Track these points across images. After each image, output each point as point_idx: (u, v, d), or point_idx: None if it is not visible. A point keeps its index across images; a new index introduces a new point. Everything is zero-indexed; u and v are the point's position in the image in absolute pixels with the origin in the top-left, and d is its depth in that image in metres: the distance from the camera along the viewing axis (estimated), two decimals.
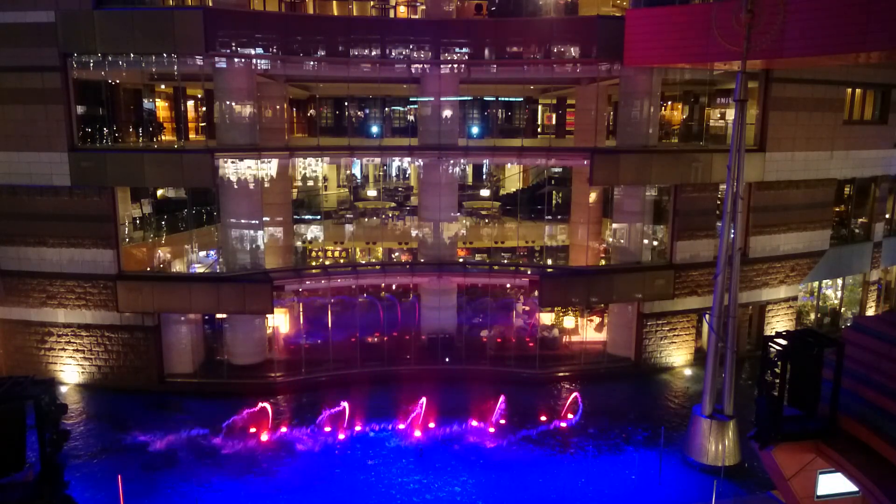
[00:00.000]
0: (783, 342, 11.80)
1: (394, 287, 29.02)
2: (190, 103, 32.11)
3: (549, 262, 29.53)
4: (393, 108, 37.42)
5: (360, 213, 32.59)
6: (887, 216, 29.81)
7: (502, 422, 20.44)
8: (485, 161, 28.50)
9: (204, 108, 31.43)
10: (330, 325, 25.22)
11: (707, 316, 20.01)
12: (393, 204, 35.34)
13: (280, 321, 26.20)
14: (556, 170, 32.93)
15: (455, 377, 23.41)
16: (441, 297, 25.10)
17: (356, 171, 37.55)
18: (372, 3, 29.43)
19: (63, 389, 22.70)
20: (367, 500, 16.58)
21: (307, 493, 16.86)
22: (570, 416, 21.04)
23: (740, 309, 22.01)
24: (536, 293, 24.60)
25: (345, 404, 20.28)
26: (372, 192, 37.02)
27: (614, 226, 25.69)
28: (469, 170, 36.57)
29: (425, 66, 23.60)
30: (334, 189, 38.72)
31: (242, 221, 23.36)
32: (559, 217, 30.60)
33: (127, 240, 24.01)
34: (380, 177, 38.47)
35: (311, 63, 22.87)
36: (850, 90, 26.45)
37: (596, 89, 27.28)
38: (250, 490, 16.87)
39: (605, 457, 18.56)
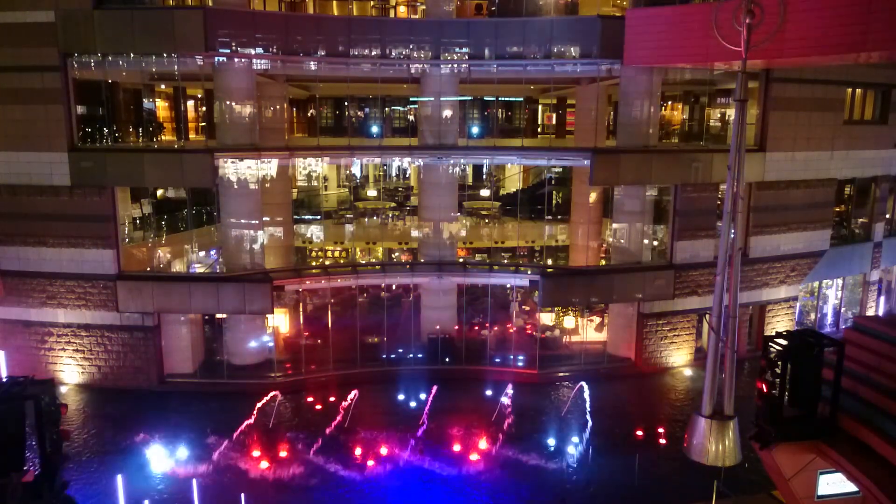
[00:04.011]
0: (783, 342, 11.79)
1: (394, 287, 29.02)
2: (190, 103, 32.13)
3: (549, 262, 29.53)
4: (393, 108, 37.44)
5: (360, 213, 32.62)
6: (887, 216, 29.82)
7: (489, 422, 20.47)
8: (485, 161, 28.50)
9: (204, 108, 31.44)
10: (330, 325, 25.24)
11: (707, 316, 19.97)
12: (393, 204, 35.37)
13: (280, 321, 26.20)
14: (557, 170, 32.94)
15: (455, 377, 23.41)
16: (441, 297, 25.10)
17: (356, 171, 37.57)
18: (372, 3, 29.44)
19: (63, 389, 22.70)
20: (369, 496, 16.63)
21: (305, 492, 16.89)
22: (569, 416, 21.06)
23: (740, 309, 21.99)
24: (536, 293, 24.60)
25: (346, 405, 20.30)
26: (372, 192, 37.05)
27: (614, 226, 25.69)
28: (469, 170, 36.56)
29: (425, 66, 23.62)
30: (334, 189, 38.76)
31: (242, 221, 23.36)
32: (559, 217, 30.62)
33: (127, 240, 24.02)
34: (380, 177, 38.49)
35: (311, 63, 22.88)
36: (850, 90, 26.46)
37: (596, 89, 27.27)
38: (250, 489, 16.86)
39: (605, 456, 18.54)
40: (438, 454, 18.65)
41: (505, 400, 21.01)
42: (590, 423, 19.97)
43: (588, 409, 20.78)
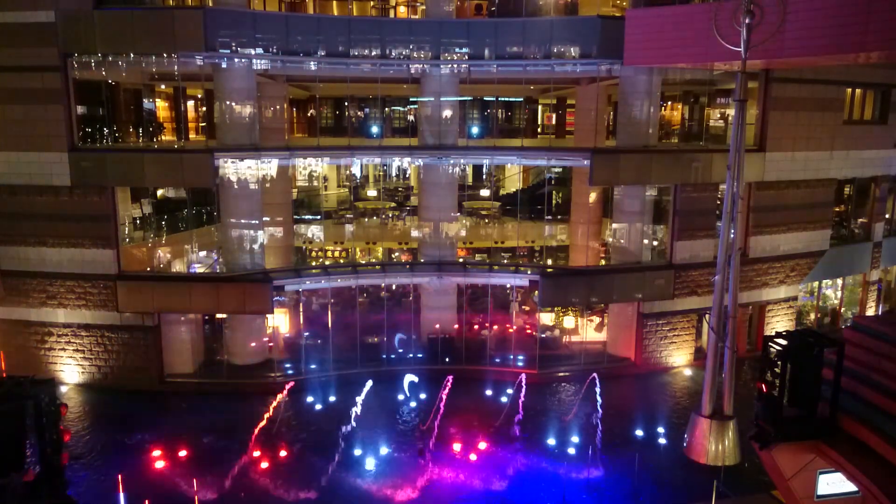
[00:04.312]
0: (783, 342, 11.78)
1: (394, 287, 29.03)
2: (190, 103, 32.10)
3: (549, 262, 29.53)
4: (393, 108, 37.42)
5: (360, 213, 32.60)
6: (887, 216, 29.82)
7: (502, 422, 20.46)
8: (485, 161, 28.49)
9: (204, 108, 31.43)
10: (330, 325, 25.23)
11: (707, 316, 19.96)
12: (393, 204, 35.34)
13: (280, 321, 26.20)
14: (556, 170, 32.95)
15: (455, 377, 23.38)
16: (441, 297, 25.10)
17: (356, 171, 37.55)
18: (372, 3, 29.45)
19: (63, 389, 22.70)
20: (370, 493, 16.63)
21: (303, 491, 16.90)
22: (568, 418, 21.07)
23: (740, 309, 22.00)
24: (536, 293, 24.61)
25: (347, 405, 20.31)
26: (372, 192, 37.04)
27: (614, 226, 25.69)
28: (469, 170, 36.56)
29: (425, 66, 23.62)
30: (334, 189, 38.72)
31: (242, 221, 23.36)
32: (559, 217, 30.59)
33: (127, 240, 24.02)
34: (380, 177, 38.48)
35: (311, 63, 22.89)
36: (850, 90, 26.47)
37: (596, 89, 27.28)
38: (250, 488, 16.88)
39: (605, 456, 18.55)
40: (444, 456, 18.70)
41: (504, 399, 20.98)
42: (600, 423, 19.94)
43: (599, 408, 20.73)
